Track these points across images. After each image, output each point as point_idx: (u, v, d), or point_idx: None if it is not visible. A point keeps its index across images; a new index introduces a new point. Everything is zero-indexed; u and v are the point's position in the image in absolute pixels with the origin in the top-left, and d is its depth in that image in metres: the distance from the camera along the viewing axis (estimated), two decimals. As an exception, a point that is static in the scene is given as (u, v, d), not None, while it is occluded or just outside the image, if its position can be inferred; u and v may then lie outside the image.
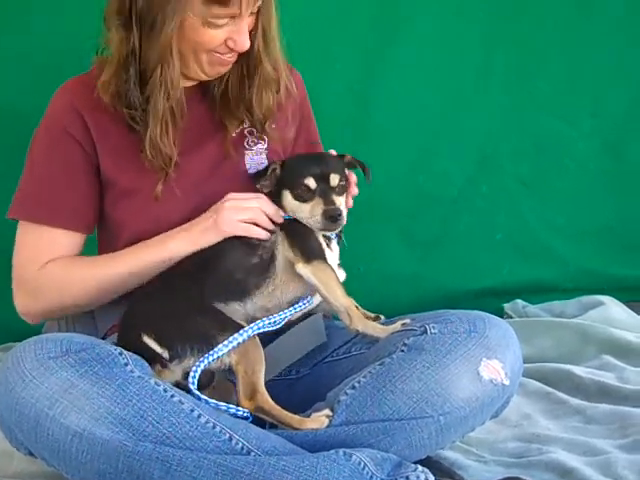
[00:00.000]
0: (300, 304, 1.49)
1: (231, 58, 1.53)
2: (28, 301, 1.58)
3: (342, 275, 1.57)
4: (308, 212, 1.51)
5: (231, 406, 1.31)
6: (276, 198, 1.55)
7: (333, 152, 1.62)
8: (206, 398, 1.30)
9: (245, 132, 1.63)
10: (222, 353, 1.33)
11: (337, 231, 1.55)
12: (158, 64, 1.46)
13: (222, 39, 1.47)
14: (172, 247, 1.50)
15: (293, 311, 1.48)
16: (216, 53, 1.50)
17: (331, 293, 1.45)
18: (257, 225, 1.50)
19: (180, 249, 1.49)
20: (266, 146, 1.64)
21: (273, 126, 1.65)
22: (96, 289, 1.53)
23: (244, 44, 1.48)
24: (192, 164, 1.57)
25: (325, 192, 1.52)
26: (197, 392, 1.30)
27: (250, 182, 1.58)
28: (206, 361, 1.32)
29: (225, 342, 1.33)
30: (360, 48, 2.48)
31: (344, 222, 1.51)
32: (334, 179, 1.53)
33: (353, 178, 1.60)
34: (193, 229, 1.51)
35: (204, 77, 1.56)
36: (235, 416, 1.30)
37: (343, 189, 1.55)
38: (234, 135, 1.61)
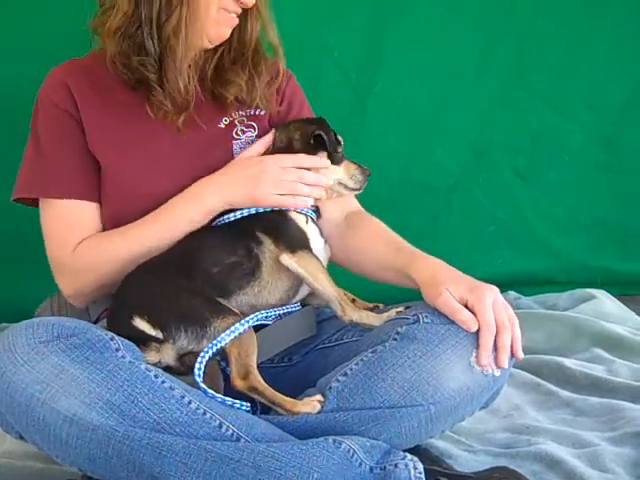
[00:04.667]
0: (296, 305, 1.52)
1: (234, 20, 1.54)
2: (71, 283, 1.55)
3: (329, 252, 1.59)
4: (343, 173, 1.57)
5: (236, 401, 1.31)
6: None
7: None
8: (213, 393, 1.29)
9: (235, 122, 1.63)
10: (224, 343, 1.33)
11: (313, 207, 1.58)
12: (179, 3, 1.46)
13: None
14: (210, 203, 1.49)
15: (291, 309, 1.50)
16: (224, 10, 1.50)
17: (319, 283, 1.45)
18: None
19: (216, 206, 1.49)
20: (256, 134, 1.63)
21: (263, 112, 1.65)
22: (130, 258, 1.49)
23: None
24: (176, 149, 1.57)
25: (344, 155, 1.58)
26: (204, 386, 1.29)
27: None
28: (210, 352, 1.32)
29: (227, 332, 1.33)
30: (357, 38, 2.48)
31: None
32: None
33: None
34: (227, 188, 1.49)
35: (207, 44, 1.55)
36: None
37: None
38: (222, 126, 1.61)
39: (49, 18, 2.22)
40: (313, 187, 1.51)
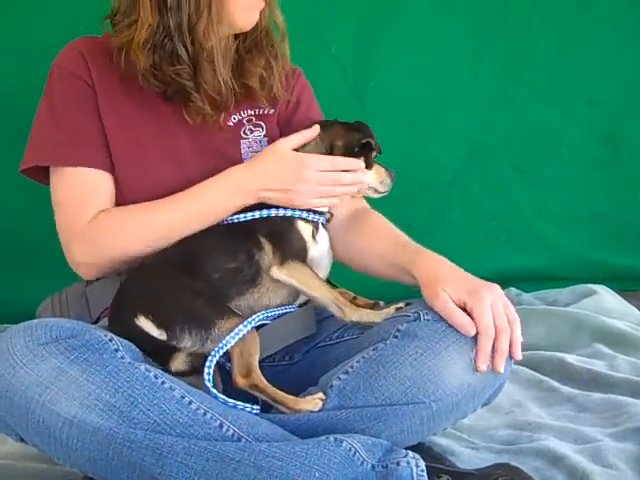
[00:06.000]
0: (295, 305, 1.52)
1: (262, 3, 1.53)
2: (86, 252, 1.50)
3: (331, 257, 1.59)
4: (374, 177, 1.58)
5: (247, 405, 1.31)
6: None
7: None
8: (224, 398, 1.29)
9: (244, 120, 1.62)
10: (230, 345, 1.33)
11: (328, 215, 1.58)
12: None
13: None
14: (246, 199, 1.48)
15: (291, 309, 1.50)
16: None
17: (315, 291, 1.46)
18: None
19: (251, 202, 1.49)
20: (264, 133, 1.63)
21: (272, 111, 1.65)
22: (154, 236, 1.48)
23: None
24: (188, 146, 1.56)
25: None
26: (214, 390, 1.29)
27: None
28: (217, 355, 1.32)
29: (232, 334, 1.33)
30: (355, 34, 2.47)
31: None
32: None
33: None
34: (263, 188, 1.47)
35: (233, 30, 1.54)
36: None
37: None
38: (231, 124, 1.60)
39: (49, 18, 2.22)
40: (348, 187, 1.52)
